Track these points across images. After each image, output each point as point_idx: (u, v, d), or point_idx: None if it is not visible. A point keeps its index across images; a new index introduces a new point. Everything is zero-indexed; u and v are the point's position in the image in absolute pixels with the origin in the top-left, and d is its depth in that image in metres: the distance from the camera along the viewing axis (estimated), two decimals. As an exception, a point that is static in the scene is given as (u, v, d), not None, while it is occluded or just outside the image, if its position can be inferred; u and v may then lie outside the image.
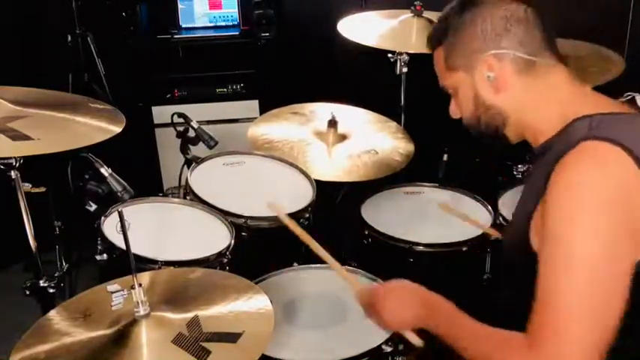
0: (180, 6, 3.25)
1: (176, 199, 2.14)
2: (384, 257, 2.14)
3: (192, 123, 2.33)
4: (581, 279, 1.13)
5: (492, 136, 1.37)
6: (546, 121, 1.29)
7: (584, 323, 1.13)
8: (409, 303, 1.40)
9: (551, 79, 1.29)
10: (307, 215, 2.10)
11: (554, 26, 1.31)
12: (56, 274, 1.89)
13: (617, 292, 1.14)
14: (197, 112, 2.78)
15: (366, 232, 2.15)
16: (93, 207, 1.84)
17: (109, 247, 1.82)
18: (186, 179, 2.14)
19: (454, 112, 1.43)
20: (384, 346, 1.63)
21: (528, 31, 1.27)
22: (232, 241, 1.92)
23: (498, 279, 2.18)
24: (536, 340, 1.15)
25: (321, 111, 2.46)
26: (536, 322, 1.17)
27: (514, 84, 1.29)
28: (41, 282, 1.84)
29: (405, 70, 2.64)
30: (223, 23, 3.30)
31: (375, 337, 1.65)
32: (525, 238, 1.26)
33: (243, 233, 2.00)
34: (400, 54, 2.61)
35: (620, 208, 1.14)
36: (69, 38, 3.01)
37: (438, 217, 2.26)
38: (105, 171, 1.74)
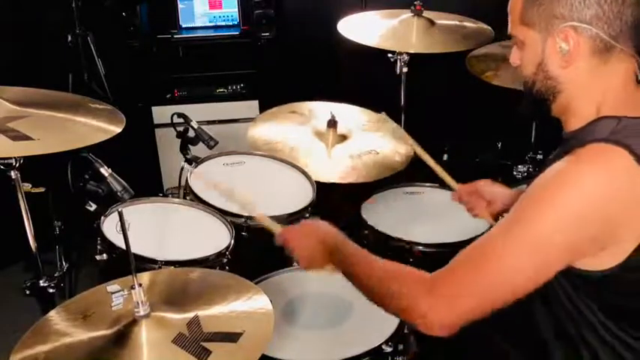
0: (180, 6, 3.25)
1: (176, 199, 2.15)
2: (384, 257, 2.13)
3: (192, 123, 2.33)
4: (521, 244, 1.16)
5: (538, 102, 1.31)
6: (585, 110, 1.25)
7: (484, 279, 1.18)
8: (308, 242, 1.48)
9: (618, 69, 1.23)
10: (307, 215, 2.10)
11: None
12: (56, 274, 1.90)
13: (534, 279, 1.18)
14: (197, 112, 2.78)
15: (366, 232, 2.15)
16: (93, 207, 1.84)
17: (109, 247, 1.82)
18: (186, 179, 2.14)
19: (515, 61, 1.34)
20: (384, 346, 1.63)
21: (621, 12, 1.17)
22: (232, 241, 1.92)
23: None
24: (440, 275, 1.23)
25: (321, 111, 2.46)
26: (458, 255, 1.24)
27: (583, 64, 1.22)
28: (41, 282, 1.85)
29: (405, 70, 2.64)
30: (223, 23, 3.30)
31: (375, 337, 1.65)
32: None
33: (243, 233, 2.00)
34: (400, 54, 2.61)
35: (589, 225, 1.14)
36: (69, 38, 3.01)
37: (438, 217, 2.27)
38: (105, 171, 1.74)
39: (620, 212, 1.14)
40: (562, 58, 1.22)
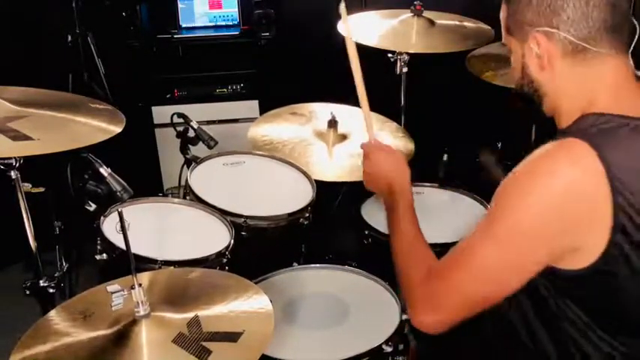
0: (180, 6, 3.25)
1: (176, 199, 2.14)
2: (384, 257, 2.13)
3: (192, 123, 2.33)
4: (499, 241, 1.21)
5: (530, 100, 1.37)
6: (571, 109, 1.28)
7: (472, 276, 1.23)
8: (381, 168, 1.57)
9: (600, 69, 1.25)
10: (307, 215, 2.10)
11: (628, 13, 1.25)
12: (56, 274, 1.89)
13: (517, 273, 1.22)
14: (197, 112, 2.78)
15: (366, 232, 2.15)
16: (93, 207, 1.84)
17: (109, 247, 1.82)
18: (186, 179, 2.14)
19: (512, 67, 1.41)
20: (384, 346, 1.63)
21: (586, 15, 1.21)
22: (232, 241, 1.92)
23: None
24: (433, 270, 1.30)
25: (321, 111, 2.46)
26: (445, 257, 1.30)
27: (560, 65, 1.26)
28: (41, 282, 1.84)
29: (405, 70, 2.64)
30: (223, 23, 3.30)
31: (375, 337, 1.65)
32: None
33: (243, 233, 2.00)
34: (400, 54, 2.61)
35: (561, 215, 1.17)
36: (69, 38, 3.01)
37: (438, 217, 2.27)
38: (104, 171, 1.74)
39: (583, 208, 1.17)
40: (538, 62, 1.28)
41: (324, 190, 2.21)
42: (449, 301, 1.25)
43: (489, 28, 2.68)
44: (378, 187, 1.59)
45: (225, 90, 3.24)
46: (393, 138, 2.44)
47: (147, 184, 2.82)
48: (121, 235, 1.39)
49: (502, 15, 1.36)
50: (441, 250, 2.06)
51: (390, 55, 2.62)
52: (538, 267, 1.21)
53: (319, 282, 1.92)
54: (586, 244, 1.18)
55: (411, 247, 1.41)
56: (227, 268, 1.86)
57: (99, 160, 1.74)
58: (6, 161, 1.67)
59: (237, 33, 3.26)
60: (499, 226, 1.22)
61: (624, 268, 1.18)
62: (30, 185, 1.77)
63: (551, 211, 1.17)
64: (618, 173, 1.14)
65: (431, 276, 1.30)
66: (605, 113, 1.22)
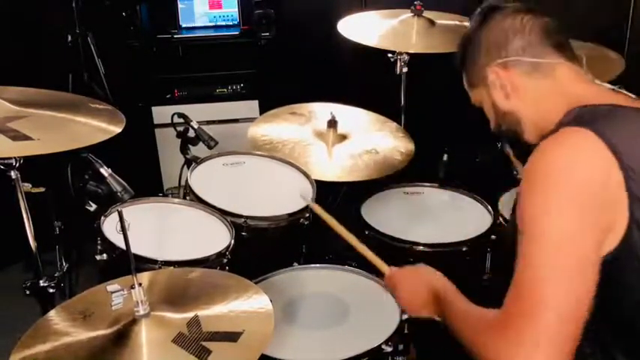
0: (180, 6, 3.25)
1: (176, 199, 2.15)
2: (384, 257, 2.13)
3: (192, 123, 2.33)
4: (549, 255, 1.15)
5: (514, 139, 1.43)
6: (554, 114, 1.32)
7: (555, 299, 1.12)
8: (413, 286, 1.56)
9: (557, 76, 1.34)
10: (307, 215, 2.10)
11: (562, 26, 1.38)
12: (56, 274, 1.89)
13: (586, 273, 1.14)
14: (197, 112, 2.78)
15: (366, 232, 2.15)
16: (93, 207, 1.84)
17: (109, 247, 1.82)
18: (186, 179, 2.14)
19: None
20: (384, 346, 1.63)
21: (526, 38, 1.35)
22: (232, 241, 1.92)
23: (498, 279, 2.18)
24: (508, 315, 1.17)
25: (321, 111, 2.46)
26: (508, 299, 1.18)
27: (523, 86, 1.35)
28: (41, 282, 1.84)
29: (405, 70, 2.64)
30: (223, 23, 3.30)
31: (375, 337, 1.65)
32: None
33: (243, 233, 2.00)
34: (400, 54, 2.61)
35: (587, 194, 1.16)
36: (69, 38, 3.01)
37: (438, 217, 2.27)
38: (105, 171, 1.74)
39: (601, 186, 1.16)
40: (503, 92, 1.37)
41: (324, 190, 2.21)
42: (543, 346, 1.11)
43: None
44: (421, 303, 1.52)
45: (225, 90, 3.24)
46: (393, 138, 2.44)
47: (147, 184, 2.82)
48: (121, 235, 1.39)
49: (464, 80, 1.47)
50: (440, 249, 2.10)
51: (390, 55, 2.63)
52: (597, 257, 1.16)
53: (319, 282, 1.92)
54: (614, 224, 1.17)
55: (476, 322, 1.29)
56: (227, 268, 1.86)
57: (99, 161, 1.74)
58: (6, 161, 1.67)
59: (237, 33, 3.26)
60: (540, 236, 1.16)
61: (635, 261, 1.18)
62: (30, 185, 1.77)
63: (580, 198, 1.16)
64: (621, 149, 1.17)
65: (503, 316, 1.18)
66: (588, 105, 1.27)
